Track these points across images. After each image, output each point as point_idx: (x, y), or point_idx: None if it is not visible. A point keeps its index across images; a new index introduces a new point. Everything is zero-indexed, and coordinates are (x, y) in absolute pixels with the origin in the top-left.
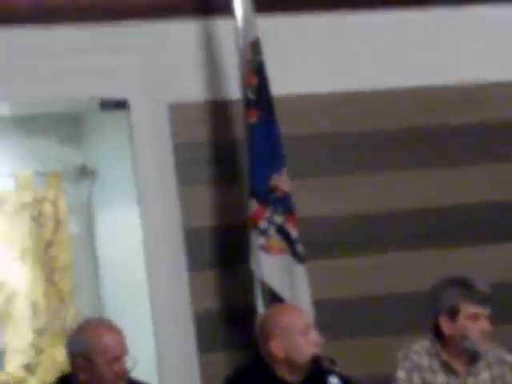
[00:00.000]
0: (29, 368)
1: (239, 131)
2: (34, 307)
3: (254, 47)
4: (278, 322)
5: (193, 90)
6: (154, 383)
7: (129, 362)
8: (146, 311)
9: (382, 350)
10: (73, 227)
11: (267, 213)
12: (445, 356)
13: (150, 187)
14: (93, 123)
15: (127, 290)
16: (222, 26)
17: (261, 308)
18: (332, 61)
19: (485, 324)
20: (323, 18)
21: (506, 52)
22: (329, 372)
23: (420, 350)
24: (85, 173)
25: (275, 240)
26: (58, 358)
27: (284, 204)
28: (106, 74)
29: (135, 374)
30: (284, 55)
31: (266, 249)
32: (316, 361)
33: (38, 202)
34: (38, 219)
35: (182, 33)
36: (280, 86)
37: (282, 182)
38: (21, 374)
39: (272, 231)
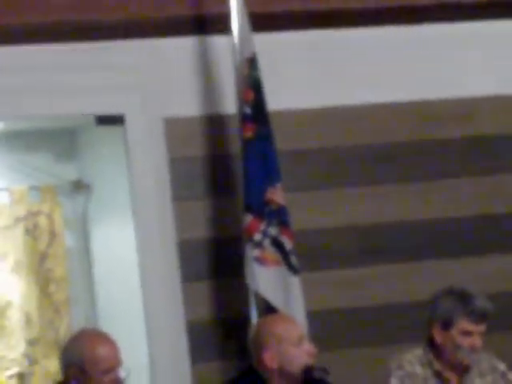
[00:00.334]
0: (22, 378)
1: (235, 146)
2: (28, 318)
3: (251, 63)
4: (271, 333)
5: (189, 104)
6: None
7: (122, 373)
8: (139, 322)
9: (375, 360)
10: (68, 240)
11: (262, 225)
12: (437, 365)
13: (145, 201)
14: (88, 138)
15: (121, 302)
16: (218, 42)
17: (255, 319)
18: (327, 76)
19: (476, 340)
20: (318, 35)
21: (496, 66)
22: (321, 382)
23: (413, 359)
24: (80, 187)
25: (270, 252)
26: (52, 368)
27: (279, 217)
28: (102, 90)
29: None
30: (280, 71)
31: (260, 261)
32: (308, 371)
33: (33, 215)
34: (33, 232)
35: (179, 49)
36: (276, 101)
37: (276, 195)
38: None
39: (267, 243)
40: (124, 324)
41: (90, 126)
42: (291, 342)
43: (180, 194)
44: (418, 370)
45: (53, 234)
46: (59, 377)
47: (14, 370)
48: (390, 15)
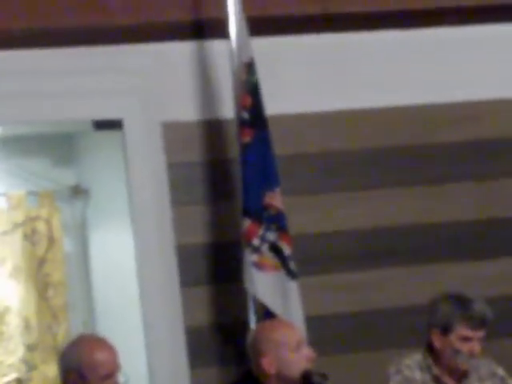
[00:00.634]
0: None
1: (233, 150)
2: (26, 323)
3: (249, 68)
4: (270, 338)
5: (187, 109)
6: None
7: (121, 378)
8: (138, 327)
9: (374, 365)
10: (66, 245)
11: (260, 230)
12: (436, 370)
13: (143, 206)
14: (86, 143)
15: (120, 307)
16: (216, 47)
17: (253, 324)
18: (325, 80)
19: (475, 346)
20: (317, 39)
21: (498, 70)
22: None
23: (412, 363)
24: (78, 192)
25: (268, 257)
26: (50, 374)
27: (277, 221)
28: (100, 94)
29: None
30: (278, 75)
31: (259, 266)
32: (307, 376)
33: (32, 220)
34: (31, 237)
35: (177, 53)
36: (274, 105)
37: (275, 199)
38: None
39: (265, 248)
40: (122, 329)
41: (88, 130)
42: (290, 348)
43: (178, 199)
44: (417, 374)
45: (51, 240)
46: (58, 382)
47: (13, 375)
48: (390, 19)
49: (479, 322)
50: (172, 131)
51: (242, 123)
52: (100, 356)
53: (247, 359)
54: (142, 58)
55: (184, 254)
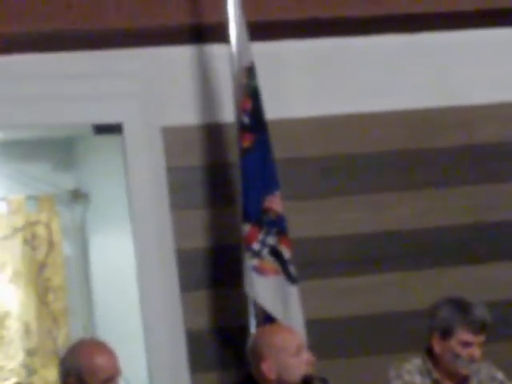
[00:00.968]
0: None
1: (233, 155)
2: (26, 328)
3: (249, 72)
4: (270, 343)
5: (187, 113)
6: None
7: (121, 383)
8: (138, 332)
9: (374, 369)
10: (66, 249)
11: (260, 235)
12: (436, 375)
13: (143, 210)
14: (86, 147)
15: (120, 311)
16: (216, 51)
17: (253, 328)
18: (325, 85)
19: (475, 351)
20: (317, 43)
21: (492, 74)
22: None
23: (411, 368)
24: (78, 196)
25: (268, 261)
26: (50, 378)
27: (277, 226)
28: (100, 99)
29: None
30: (278, 80)
31: (259, 270)
32: (307, 380)
33: (31, 224)
34: (31, 242)
35: (177, 57)
36: (274, 109)
37: (275, 203)
38: None
39: (265, 252)
40: (122, 333)
41: (87, 135)
42: (289, 352)
43: (178, 203)
44: (417, 379)
45: (51, 244)
46: None
47: (13, 380)
48: (388, 24)
49: (479, 327)
50: (172, 135)
51: (242, 127)
52: (99, 360)
53: (247, 363)
54: (142, 62)
55: (184, 258)
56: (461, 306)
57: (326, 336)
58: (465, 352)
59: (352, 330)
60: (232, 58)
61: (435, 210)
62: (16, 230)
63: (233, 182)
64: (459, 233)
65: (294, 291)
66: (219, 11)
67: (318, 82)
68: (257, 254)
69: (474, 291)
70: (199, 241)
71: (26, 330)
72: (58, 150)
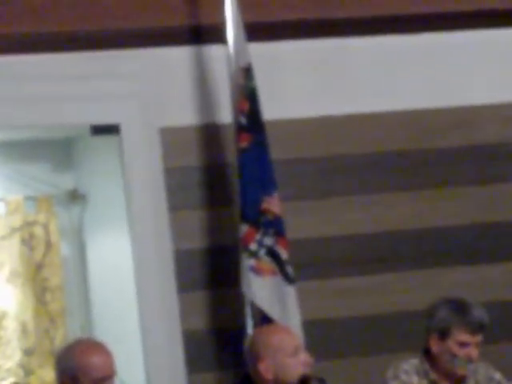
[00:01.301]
0: None
1: (230, 155)
2: (24, 328)
3: (246, 73)
4: (267, 343)
5: (185, 114)
6: None
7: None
8: (135, 332)
9: (372, 370)
10: (64, 250)
11: (257, 235)
12: (433, 375)
13: (140, 211)
14: (84, 148)
15: (117, 312)
16: (214, 52)
17: (250, 329)
18: (322, 85)
19: (472, 351)
20: (315, 44)
21: (494, 74)
22: None
23: (409, 368)
24: (76, 197)
25: (265, 261)
26: (47, 378)
27: (275, 226)
28: (98, 99)
29: None
30: (276, 80)
31: (256, 270)
32: (304, 381)
33: (29, 225)
34: (28, 242)
35: (175, 58)
36: (272, 110)
37: (273, 204)
38: None
39: (262, 253)
40: (120, 333)
41: (85, 135)
42: (287, 353)
43: (176, 204)
44: (414, 379)
45: (49, 244)
46: None
47: (10, 380)
48: (387, 24)
49: (477, 327)
50: (169, 136)
51: (240, 128)
52: (94, 360)
53: (244, 364)
54: (140, 63)
55: (181, 259)
56: (458, 307)
57: (323, 336)
58: (462, 352)
59: (350, 330)
60: (229, 58)
61: (435, 210)
62: (14, 230)
63: (230, 183)
64: (459, 233)
65: (291, 291)
66: (217, 12)
67: (316, 83)
68: (254, 255)
69: (473, 291)
70: (197, 241)
71: (24, 330)
72: (56, 150)
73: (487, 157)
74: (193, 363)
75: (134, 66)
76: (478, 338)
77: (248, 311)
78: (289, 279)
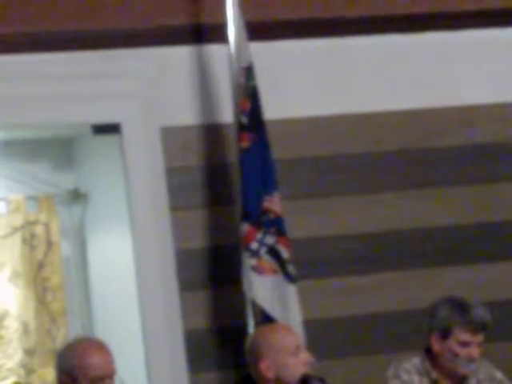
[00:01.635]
0: None
1: (232, 155)
2: (25, 327)
3: (247, 72)
4: (268, 342)
5: (186, 113)
6: None
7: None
8: (137, 331)
9: (373, 369)
10: (65, 249)
11: (259, 234)
12: (434, 374)
13: (142, 210)
14: (85, 147)
15: (118, 311)
16: (215, 52)
17: (252, 328)
18: (323, 85)
19: (474, 351)
20: (315, 43)
21: (494, 74)
22: None
23: (410, 367)
24: (77, 196)
25: (266, 260)
26: (49, 378)
27: (276, 225)
28: (99, 99)
29: None
30: (277, 80)
31: (257, 269)
32: (305, 380)
33: (30, 224)
34: (30, 241)
35: (176, 58)
36: (273, 109)
37: (274, 204)
38: None
39: (263, 252)
40: (121, 333)
41: (86, 135)
42: (288, 352)
43: (177, 203)
44: (415, 378)
45: (50, 244)
46: None
47: (11, 379)
48: (388, 24)
49: (478, 327)
50: (171, 135)
51: (241, 127)
52: (92, 359)
53: (246, 363)
54: (141, 63)
55: (183, 258)
56: (459, 306)
57: (324, 336)
58: (463, 352)
59: (351, 329)
60: (231, 58)
61: (435, 210)
62: (15, 230)
63: (232, 182)
64: (459, 233)
65: (292, 290)
66: (218, 12)
67: (317, 82)
68: (255, 254)
69: (473, 291)
70: (198, 241)
71: (25, 330)
72: (57, 150)
73: (487, 157)
74: (194, 362)
75: (135, 66)
76: (480, 337)
77: (249, 310)
78: (290, 278)
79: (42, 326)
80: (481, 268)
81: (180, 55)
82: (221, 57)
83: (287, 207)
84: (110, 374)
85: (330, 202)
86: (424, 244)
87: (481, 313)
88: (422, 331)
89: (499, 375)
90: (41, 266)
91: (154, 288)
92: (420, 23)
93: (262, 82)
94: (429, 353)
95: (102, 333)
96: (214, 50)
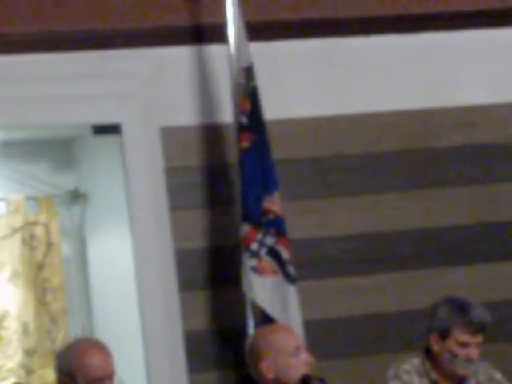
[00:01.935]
0: None
1: (232, 155)
2: (25, 328)
3: (247, 72)
4: (268, 343)
5: (186, 114)
6: None
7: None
8: (136, 332)
9: (373, 370)
10: (65, 250)
11: (259, 235)
12: (434, 375)
13: (142, 211)
14: (85, 148)
15: (118, 311)
16: (215, 52)
17: (252, 329)
18: (323, 85)
19: (473, 352)
20: (316, 43)
21: (494, 74)
22: None
23: (410, 368)
24: (77, 197)
25: (266, 261)
26: (49, 378)
27: (276, 226)
28: (99, 99)
29: None
30: (277, 80)
31: (257, 270)
32: (305, 381)
33: (30, 225)
34: (29, 242)
35: (176, 58)
36: (273, 110)
37: (274, 204)
38: None
39: (263, 252)
40: (121, 333)
41: (86, 135)
42: (288, 352)
43: (177, 204)
44: (415, 379)
45: (49, 244)
46: None
47: (11, 380)
48: (387, 24)
49: (477, 328)
50: (171, 136)
51: (241, 128)
52: (92, 359)
53: (246, 364)
54: (141, 63)
55: (182, 259)
56: (459, 307)
57: (324, 336)
58: (462, 352)
59: (351, 330)
60: (230, 58)
61: (435, 210)
62: (15, 230)
63: (231, 183)
64: (459, 233)
65: (292, 291)
66: (218, 12)
67: (317, 82)
68: (255, 254)
69: (473, 291)
70: (198, 241)
71: (25, 330)
72: (57, 150)
73: (487, 157)
74: (194, 363)
75: (135, 66)
76: (479, 338)
77: (249, 311)
78: (290, 279)
79: (42, 327)
80: (481, 268)
81: (180, 55)
82: (221, 57)
83: (287, 207)
84: (109, 375)
85: (330, 201)
86: (424, 244)
87: (480, 313)
88: (422, 332)
89: (498, 376)
90: (41, 266)
91: (153, 288)
92: (420, 23)
93: (262, 82)
94: (428, 353)
95: (101, 333)
96: (213, 50)
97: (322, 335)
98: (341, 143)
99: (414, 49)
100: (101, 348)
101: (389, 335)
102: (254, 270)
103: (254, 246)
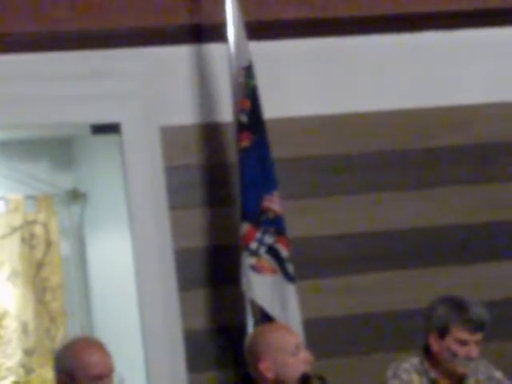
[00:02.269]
0: None
1: (231, 154)
2: (24, 327)
3: (247, 71)
4: (268, 342)
5: (185, 113)
6: None
7: (115, 381)
8: (136, 331)
9: (372, 368)
10: (64, 249)
11: (258, 234)
12: (433, 374)
13: (141, 210)
14: (84, 147)
15: (118, 311)
16: (215, 51)
17: (251, 328)
18: (323, 84)
19: (472, 350)
20: (315, 43)
21: (492, 74)
22: None
23: (409, 367)
24: (76, 196)
25: (265, 260)
26: (48, 377)
27: (275, 225)
28: (98, 98)
29: None
30: (276, 79)
31: (257, 269)
32: (305, 379)
33: (29, 224)
34: (29, 241)
35: (175, 57)
36: (272, 109)
37: (273, 203)
38: None
39: (262, 251)
40: (120, 332)
41: (86, 134)
42: (287, 351)
43: (176, 203)
44: (415, 378)
45: (49, 243)
46: None
47: (11, 379)
48: (386, 23)
49: (476, 325)
50: (170, 135)
51: (241, 127)
52: (91, 358)
53: (245, 363)
54: (141, 62)
55: (182, 258)
56: (457, 305)
57: (323, 335)
58: (462, 351)
59: (350, 328)
60: (230, 57)
61: (435, 210)
62: (14, 230)
63: (231, 182)
64: (459, 233)
65: (291, 290)
66: (217, 11)
67: (317, 81)
68: (254, 253)
69: (472, 291)
70: (197, 240)
71: (24, 330)
72: (56, 149)
73: (487, 157)
74: (193, 362)
75: (134, 65)
76: (478, 336)
77: (248, 310)
78: (289, 277)
79: (42, 326)
80: (481, 268)
81: (179, 55)
82: (220, 56)
83: (287, 207)
84: (108, 373)
85: (330, 201)
86: (424, 244)
87: (479, 311)
88: (421, 330)
89: (498, 375)
90: (40, 265)
91: (153, 287)
92: (419, 23)
93: (262, 82)
94: (428, 352)
95: (101, 332)
96: (213, 49)
97: (321, 334)
98: (341, 142)
99: (413, 48)
100: (99, 346)
101: (388, 334)
102: (254, 268)
103: (254, 245)
